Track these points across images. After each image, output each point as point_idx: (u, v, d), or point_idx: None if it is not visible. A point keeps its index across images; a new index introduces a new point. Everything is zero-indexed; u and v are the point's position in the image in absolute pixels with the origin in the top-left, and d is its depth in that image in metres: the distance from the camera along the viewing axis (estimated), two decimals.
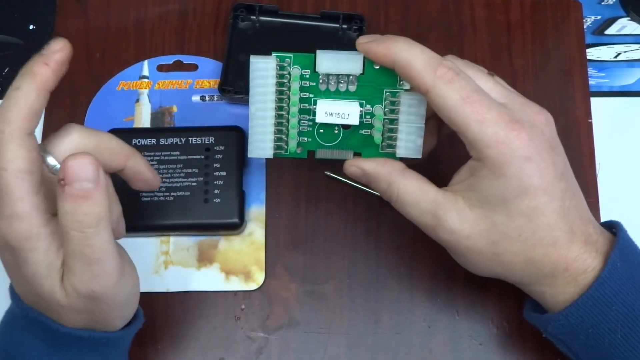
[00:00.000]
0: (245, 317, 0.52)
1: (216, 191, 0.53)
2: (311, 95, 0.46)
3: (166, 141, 0.54)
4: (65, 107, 0.57)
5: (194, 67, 0.59)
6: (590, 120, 0.57)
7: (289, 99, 0.46)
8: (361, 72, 0.45)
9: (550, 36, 0.60)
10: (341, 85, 0.46)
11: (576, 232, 0.43)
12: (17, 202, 0.38)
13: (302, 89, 0.46)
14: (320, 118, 0.46)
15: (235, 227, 0.53)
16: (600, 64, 0.60)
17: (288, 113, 0.46)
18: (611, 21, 0.61)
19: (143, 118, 0.57)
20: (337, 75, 0.46)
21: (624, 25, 0.61)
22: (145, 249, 0.54)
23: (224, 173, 0.53)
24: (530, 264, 0.43)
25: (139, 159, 0.45)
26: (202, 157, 0.54)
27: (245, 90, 0.57)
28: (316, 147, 0.48)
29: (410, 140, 0.46)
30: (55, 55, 0.40)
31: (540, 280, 0.44)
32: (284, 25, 0.59)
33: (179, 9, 0.60)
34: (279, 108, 0.46)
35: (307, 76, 0.46)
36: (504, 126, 0.41)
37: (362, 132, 0.47)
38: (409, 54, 0.43)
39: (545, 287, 0.44)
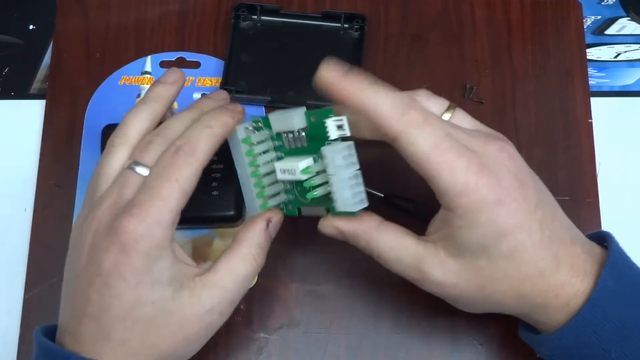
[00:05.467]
0: (245, 317, 0.52)
1: (214, 184, 0.52)
2: (281, 154, 0.46)
3: None
4: (64, 107, 0.57)
5: (196, 65, 0.59)
6: (590, 120, 0.57)
7: (259, 160, 0.46)
8: (302, 126, 0.44)
9: (550, 36, 0.60)
10: (297, 142, 0.45)
11: (562, 258, 0.42)
12: (168, 212, 0.42)
13: (277, 149, 0.46)
14: (279, 176, 0.45)
15: (232, 219, 0.52)
16: (600, 64, 0.60)
17: (260, 175, 0.47)
18: (611, 21, 0.61)
19: None
20: (292, 132, 0.44)
21: (624, 25, 0.61)
22: None
23: (221, 165, 0.52)
24: (521, 298, 0.43)
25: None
26: None
27: (247, 90, 0.57)
28: (300, 204, 0.47)
29: (343, 195, 0.42)
30: (239, 113, 0.46)
31: (534, 310, 0.44)
32: (286, 24, 0.59)
33: (178, 9, 0.60)
34: (254, 172, 0.47)
35: (275, 137, 0.46)
36: (474, 173, 0.40)
37: (323, 188, 0.44)
38: (374, 99, 0.40)
39: (539, 317, 0.44)
